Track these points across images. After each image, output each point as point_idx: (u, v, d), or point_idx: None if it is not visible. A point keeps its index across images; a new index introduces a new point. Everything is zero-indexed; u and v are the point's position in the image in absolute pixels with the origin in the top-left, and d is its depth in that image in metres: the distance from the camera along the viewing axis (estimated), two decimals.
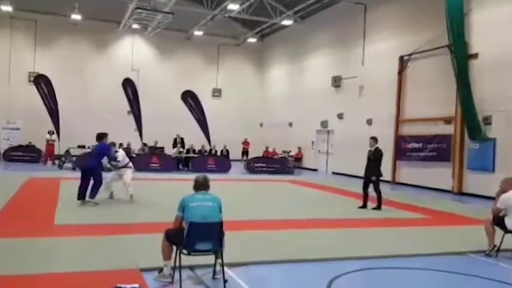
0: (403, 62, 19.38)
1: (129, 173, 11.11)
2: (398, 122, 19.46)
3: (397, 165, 19.44)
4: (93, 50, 28.32)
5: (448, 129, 17.04)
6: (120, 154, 11.13)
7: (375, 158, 11.30)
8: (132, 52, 28.88)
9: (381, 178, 11.49)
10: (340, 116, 23.56)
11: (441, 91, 17.18)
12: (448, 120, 17.04)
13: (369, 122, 21.26)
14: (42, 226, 7.86)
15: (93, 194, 10.11)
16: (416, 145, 18.46)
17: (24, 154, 22.07)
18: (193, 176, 5.67)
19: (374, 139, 11.49)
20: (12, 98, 25.41)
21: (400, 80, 19.46)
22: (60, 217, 8.53)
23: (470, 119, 15.80)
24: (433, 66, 17.83)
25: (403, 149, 19.04)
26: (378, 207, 11.28)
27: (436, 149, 17.51)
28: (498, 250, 7.12)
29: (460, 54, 15.92)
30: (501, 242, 7.09)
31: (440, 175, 17.14)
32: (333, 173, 23.73)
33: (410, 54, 18.85)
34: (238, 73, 31.73)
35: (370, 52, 21.52)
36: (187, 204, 5.12)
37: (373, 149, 11.40)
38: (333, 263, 6.43)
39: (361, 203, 11.58)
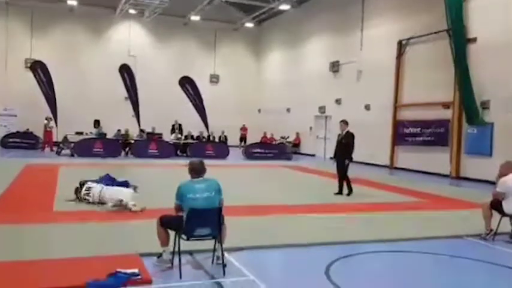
0: (401, 47, 19.29)
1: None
2: (396, 107, 19.45)
3: (395, 150, 19.49)
4: (90, 36, 28.10)
5: (446, 114, 17.04)
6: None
7: (346, 142, 11.02)
8: (129, 38, 28.67)
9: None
10: (338, 102, 23.51)
11: (439, 76, 17.14)
12: (446, 105, 17.03)
13: (367, 107, 21.23)
14: (41, 212, 7.88)
15: None
16: (414, 130, 18.47)
17: (22, 141, 21.99)
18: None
19: (345, 122, 11.21)
20: (9, 84, 25.25)
21: (398, 64, 19.40)
22: (59, 203, 8.54)
23: (468, 104, 15.80)
24: (432, 50, 17.76)
25: (401, 134, 19.06)
26: (349, 193, 11.03)
27: (434, 134, 17.54)
28: (495, 234, 7.18)
29: (459, 39, 15.86)
30: (498, 226, 7.15)
31: (438, 160, 17.20)
32: (331, 158, 23.67)
33: (409, 39, 18.76)
34: (235, 59, 31.55)
35: (369, 37, 21.40)
36: (185, 194, 5.11)
37: (343, 132, 11.15)
38: (330, 247, 6.48)
39: (357, 187, 11.56)
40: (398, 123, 19.28)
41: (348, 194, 11.05)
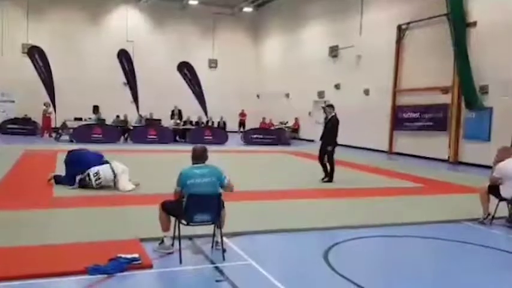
0: (401, 31, 19.18)
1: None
2: (395, 91, 19.41)
3: (393, 135, 19.51)
4: (87, 21, 27.86)
5: (445, 99, 17.02)
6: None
7: (332, 126, 10.70)
8: (127, 23, 28.42)
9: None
10: (337, 87, 23.44)
11: (439, 60, 17.08)
12: (445, 90, 17.00)
13: (366, 92, 21.19)
14: (41, 198, 7.89)
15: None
16: (413, 115, 18.47)
17: (21, 127, 21.98)
18: (190, 147, 5.67)
19: (330, 106, 10.93)
20: (6, 70, 25.04)
21: (397, 49, 19.30)
22: (58, 189, 8.56)
23: (467, 89, 15.78)
24: (431, 35, 17.66)
25: (400, 119, 19.06)
26: (330, 179, 10.69)
27: (432, 119, 17.54)
28: (493, 218, 7.24)
29: (458, 23, 15.77)
30: (495, 210, 7.20)
31: (437, 144, 17.24)
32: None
33: (408, 23, 18.64)
34: (234, 44, 31.35)
35: (368, 21, 21.26)
36: (185, 181, 5.13)
37: (329, 116, 10.80)
38: (329, 232, 6.54)
39: (355, 172, 11.53)
40: (398, 108, 19.26)
41: (327, 181, 10.69)
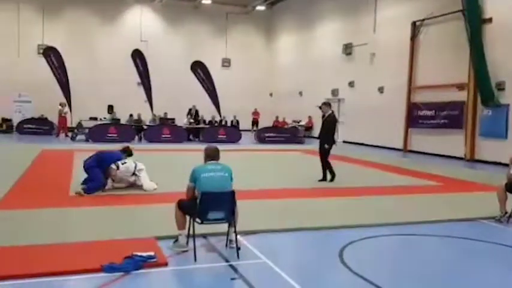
0: (415, 28, 19.00)
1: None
2: (410, 89, 19.24)
3: (409, 133, 19.34)
4: (102, 21, 28.13)
5: (461, 96, 16.82)
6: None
7: (328, 125, 10.40)
8: (141, 23, 28.62)
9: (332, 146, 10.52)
10: (351, 84, 23.32)
11: (454, 57, 16.89)
12: (460, 87, 16.80)
13: (381, 89, 21.05)
14: (57, 197, 7.98)
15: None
16: (428, 112, 18.29)
17: (37, 126, 22.26)
18: (204, 146, 5.71)
19: (327, 104, 10.62)
20: (23, 71, 25.42)
21: (412, 46, 19.12)
22: (75, 188, 8.64)
23: (483, 85, 15.58)
24: (446, 31, 17.47)
25: (415, 117, 18.89)
26: (324, 179, 10.40)
27: (448, 116, 17.35)
28: (510, 216, 7.13)
29: (474, 19, 15.57)
30: None
31: (453, 142, 17.04)
32: (344, 141, 23.66)
33: (423, 20, 18.45)
34: (247, 42, 31.38)
35: (382, 18, 21.11)
36: (199, 175, 5.18)
37: (326, 115, 10.45)
38: (344, 230, 6.48)
39: (370, 171, 11.45)
40: (413, 105, 19.09)
41: (331, 180, 10.43)
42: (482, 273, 5.12)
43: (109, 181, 8.66)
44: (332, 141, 10.44)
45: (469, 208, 8.12)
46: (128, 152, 9.04)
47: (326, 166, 10.50)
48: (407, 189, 9.97)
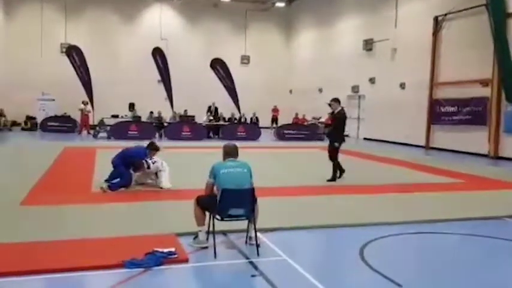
0: (437, 23, 18.67)
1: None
2: (432, 85, 18.93)
3: (431, 130, 19.05)
4: (123, 20, 28.45)
5: (484, 92, 16.49)
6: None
7: (338, 122, 10.18)
8: (160, 21, 28.84)
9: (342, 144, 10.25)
10: (371, 81, 23.08)
11: (477, 52, 16.54)
12: (484, 83, 16.46)
13: (402, 86, 20.78)
14: (80, 193, 8.10)
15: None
16: (451, 109, 17.98)
17: (60, 124, 22.63)
18: (223, 143, 5.71)
19: (336, 101, 10.28)
20: (46, 69, 25.90)
21: (434, 41, 18.80)
22: (97, 184, 8.75)
23: (507, 81, 15.25)
24: (469, 26, 17.12)
25: (438, 113, 18.59)
26: (333, 179, 10.05)
27: (471, 113, 17.03)
28: None
29: (498, 13, 15.24)
30: None
31: (476, 139, 16.72)
32: (364, 138, 23.47)
33: (446, 15, 18.13)
34: (266, 39, 31.32)
35: (403, 13, 20.82)
36: (218, 171, 5.19)
37: (336, 111, 10.18)
38: (365, 228, 6.42)
39: (392, 168, 11.25)
40: (435, 101, 18.79)
41: (339, 176, 10.22)
42: (506, 272, 5.01)
43: (133, 178, 8.73)
44: (342, 139, 10.19)
45: (492, 206, 7.96)
46: (153, 147, 9.00)
47: (336, 165, 10.20)
48: (429, 187, 9.82)
